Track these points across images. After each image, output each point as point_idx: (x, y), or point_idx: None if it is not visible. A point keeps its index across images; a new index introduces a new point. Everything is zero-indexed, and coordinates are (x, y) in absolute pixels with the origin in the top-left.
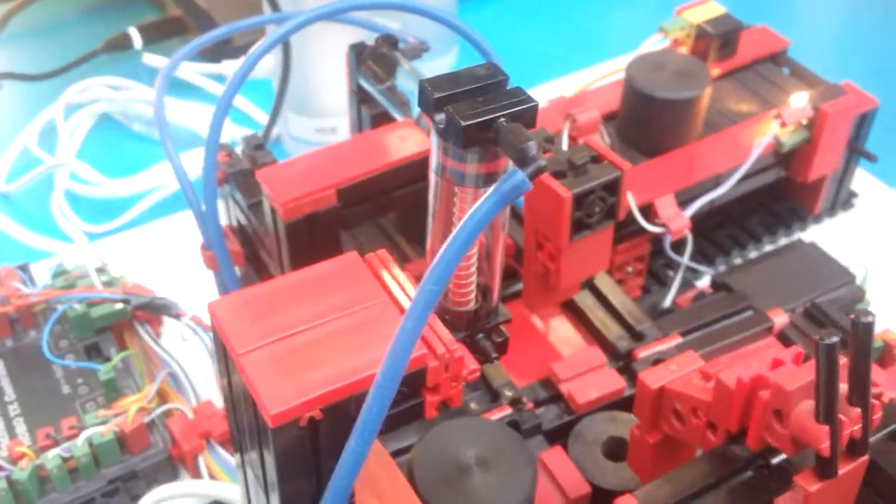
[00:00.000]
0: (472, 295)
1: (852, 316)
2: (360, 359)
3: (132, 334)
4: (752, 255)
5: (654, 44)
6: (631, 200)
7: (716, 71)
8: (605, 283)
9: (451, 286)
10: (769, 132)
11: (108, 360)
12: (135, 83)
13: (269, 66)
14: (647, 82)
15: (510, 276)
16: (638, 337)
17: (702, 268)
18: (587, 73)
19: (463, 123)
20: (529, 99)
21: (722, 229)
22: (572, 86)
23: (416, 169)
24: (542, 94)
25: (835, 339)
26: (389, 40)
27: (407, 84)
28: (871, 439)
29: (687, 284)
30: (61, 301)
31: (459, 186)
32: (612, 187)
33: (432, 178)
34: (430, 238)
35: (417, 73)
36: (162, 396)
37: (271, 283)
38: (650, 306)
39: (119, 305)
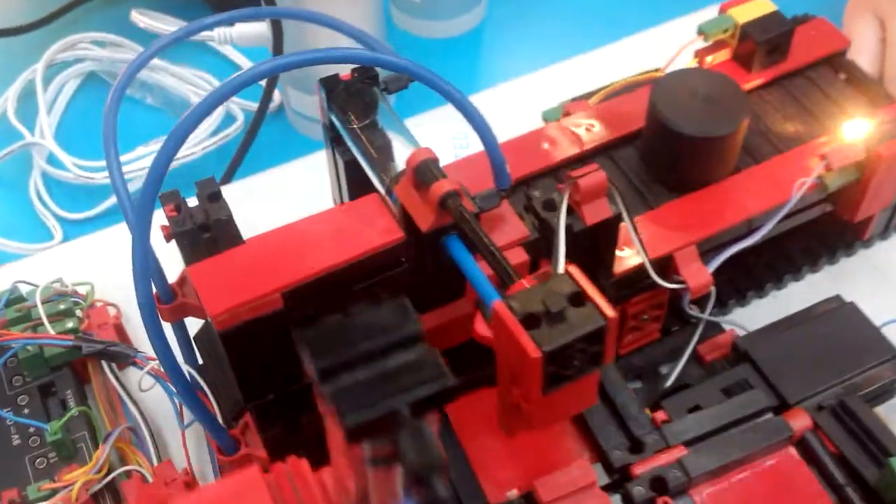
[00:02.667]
0: None
1: None
2: None
3: (95, 366)
4: (791, 286)
5: (691, 48)
6: (645, 258)
7: (759, 81)
8: (608, 377)
9: None
10: (813, 172)
11: (63, 403)
12: (126, 40)
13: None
14: (672, 114)
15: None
16: (637, 447)
17: (724, 321)
18: (595, 56)
19: (348, 424)
20: (445, 376)
21: (758, 257)
22: (580, 70)
23: (380, 261)
24: (542, 82)
25: None
26: (367, 73)
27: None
28: None
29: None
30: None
31: None
32: (596, 337)
33: None
34: None
35: (395, 115)
36: (119, 452)
37: None
38: (671, 350)
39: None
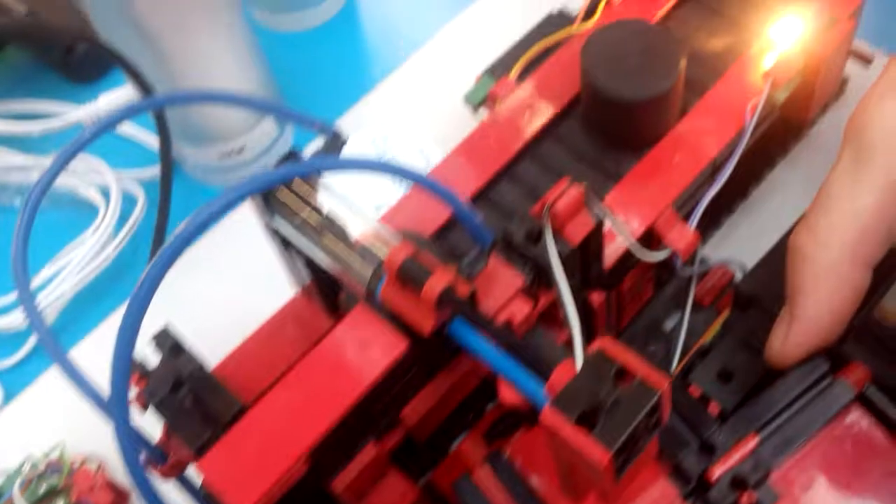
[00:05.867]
0: None
1: None
2: None
3: None
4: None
5: None
6: (631, 242)
7: (672, 1)
8: None
9: None
10: (762, 93)
11: None
12: None
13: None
14: (610, 81)
15: None
16: (707, 448)
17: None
18: (482, 10)
19: None
20: None
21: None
22: (473, 29)
23: (391, 377)
24: (440, 54)
25: None
26: (293, 157)
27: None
28: None
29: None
30: None
31: None
32: (654, 410)
33: None
34: None
35: (340, 195)
36: None
37: None
38: (669, 302)
39: None
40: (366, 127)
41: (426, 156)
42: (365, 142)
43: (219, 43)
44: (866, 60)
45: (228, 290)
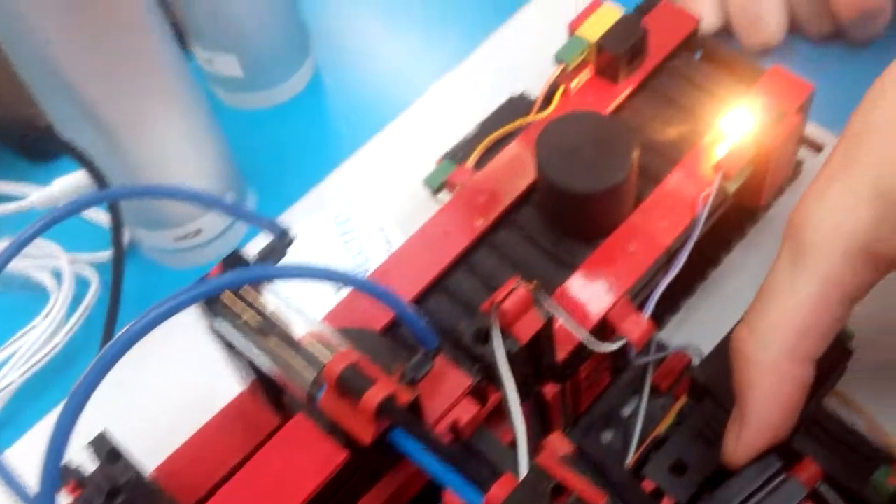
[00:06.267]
0: None
1: None
2: None
3: None
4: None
5: (555, 76)
6: (583, 335)
7: (629, 89)
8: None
9: None
10: (713, 183)
11: None
12: None
13: None
14: (563, 174)
15: None
16: None
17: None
18: (442, 90)
19: None
20: None
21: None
22: (432, 112)
23: (333, 484)
24: (400, 135)
25: None
26: (237, 260)
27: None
28: None
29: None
30: None
31: None
32: None
33: None
34: None
35: (285, 299)
36: None
37: None
38: (626, 388)
39: None
40: (328, 206)
41: (387, 237)
42: (326, 222)
43: (175, 130)
44: (817, 148)
45: (175, 385)
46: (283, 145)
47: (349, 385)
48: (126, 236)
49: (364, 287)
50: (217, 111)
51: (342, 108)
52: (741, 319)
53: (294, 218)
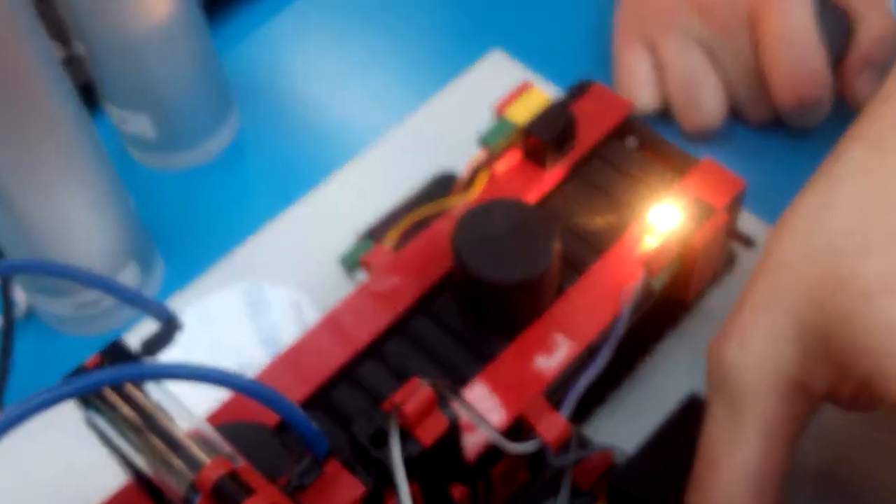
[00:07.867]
0: None
1: None
2: None
3: None
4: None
5: (479, 159)
6: (495, 436)
7: (557, 175)
8: None
9: None
10: (638, 280)
11: None
12: None
13: None
14: (480, 263)
15: None
16: None
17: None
18: (365, 165)
19: None
20: None
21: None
22: (354, 185)
23: None
24: (317, 209)
25: None
26: (117, 351)
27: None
28: None
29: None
30: None
31: None
32: None
33: None
34: None
35: (167, 393)
36: None
37: None
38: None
39: None
40: (240, 277)
41: (301, 312)
42: (237, 296)
43: (74, 198)
44: (748, 244)
45: (56, 474)
46: (197, 210)
47: (225, 494)
48: (23, 303)
49: (248, 391)
50: (131, 172)
51: (263, 173)
52: (689, 483)
53: (204, 289)
